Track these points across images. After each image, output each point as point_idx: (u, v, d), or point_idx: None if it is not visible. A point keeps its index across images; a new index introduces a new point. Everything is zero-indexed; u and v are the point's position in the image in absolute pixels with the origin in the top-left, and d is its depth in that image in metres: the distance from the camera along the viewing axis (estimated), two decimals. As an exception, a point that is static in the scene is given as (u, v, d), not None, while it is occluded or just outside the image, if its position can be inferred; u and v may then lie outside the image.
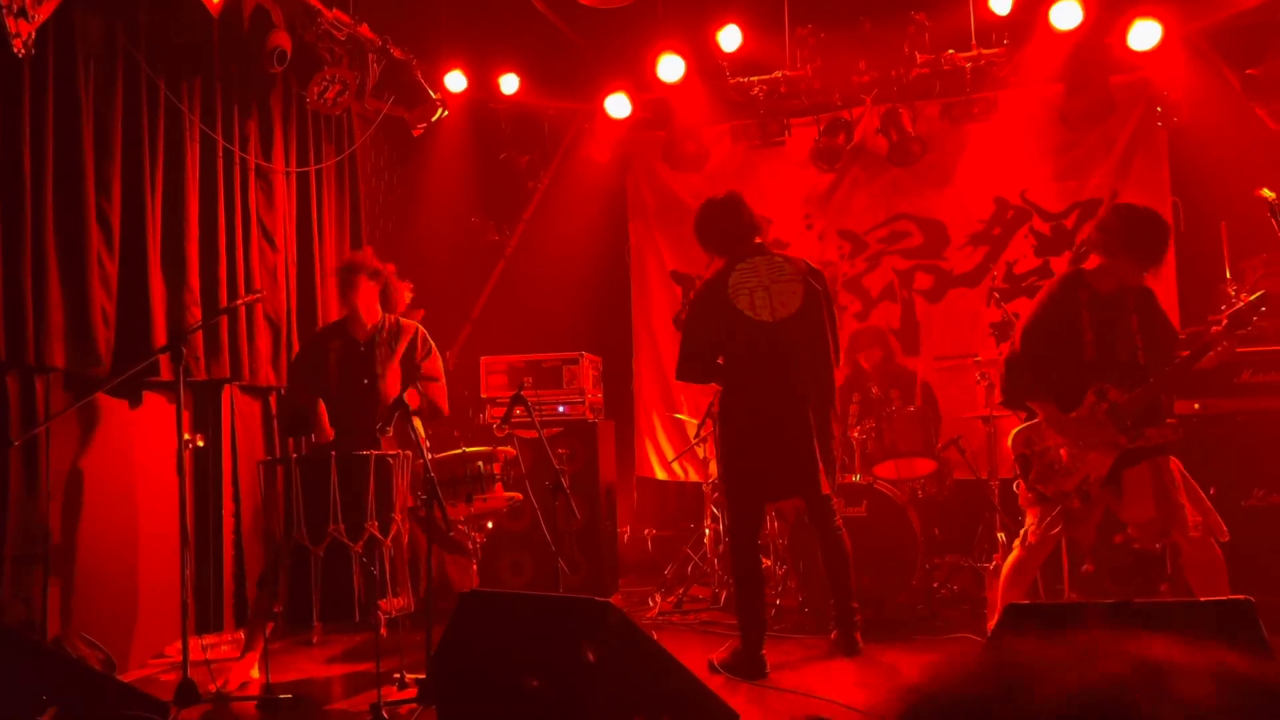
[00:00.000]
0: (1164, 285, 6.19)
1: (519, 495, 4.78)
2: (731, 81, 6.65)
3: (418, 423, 4.68)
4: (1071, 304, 3.80)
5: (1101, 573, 4.94)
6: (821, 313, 4.39)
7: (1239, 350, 4.61)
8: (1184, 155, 6.34)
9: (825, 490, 4.37)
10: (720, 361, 4.42)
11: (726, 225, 4.44)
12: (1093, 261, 3.86)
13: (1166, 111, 6.28)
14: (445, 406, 4.70)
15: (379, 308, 4.69)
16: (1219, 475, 4.43)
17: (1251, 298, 3.59)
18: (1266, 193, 3.45)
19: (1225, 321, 3.58)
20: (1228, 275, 5.40)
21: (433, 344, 4.78)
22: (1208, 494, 3.74)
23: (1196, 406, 4.70)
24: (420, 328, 4.77)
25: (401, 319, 4.77)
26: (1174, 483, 3.63)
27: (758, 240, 4.49)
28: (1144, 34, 5.85)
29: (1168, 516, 3.60)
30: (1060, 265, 6.59)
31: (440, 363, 4.77)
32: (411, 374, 4.60)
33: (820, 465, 4.32)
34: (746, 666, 4.18)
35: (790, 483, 4.40)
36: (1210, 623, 2.60)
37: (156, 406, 4.93)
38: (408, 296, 4.90)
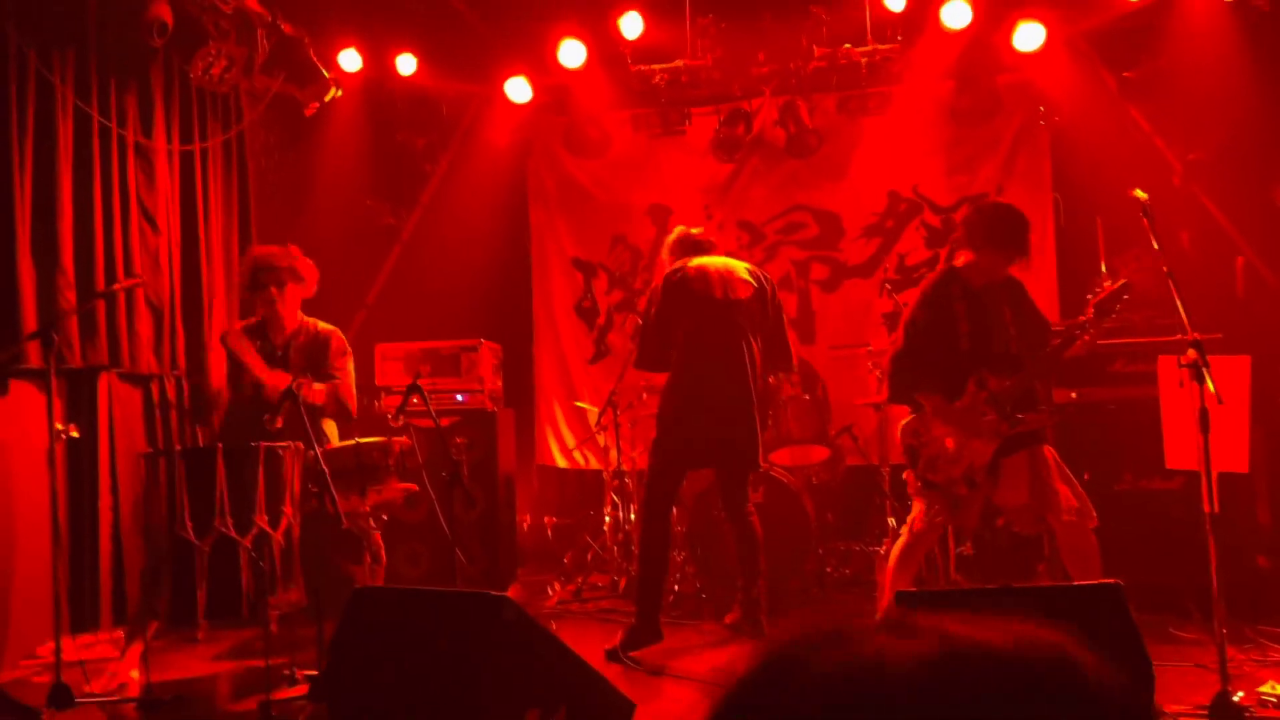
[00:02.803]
0: (1044, 277, 6.46)
1: (415, 486, 4.70)
2: (633, 69, 6.63)
3: (331, 426, 4.59)
4: (946, 299, 3.96)
5: (983, 555, 5.14)
6: (767, 306, 4.66)
7: (1113, 341, 4.85)
8: (1065, 153, 6.61)
9: (763, 465, 4.65)
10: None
11: (689, 245, 4.84)
12: (963, 258, 4.02)
13: (1049, 111, 6.54)
14: (354, 407, 4.63)
15: (300, 311, 4.58)
16: (1092, 461, 4.65)
17: (1114, 287, 3.76)
18: (1139, 193, 3.62)
19: (1091, 311, 3.76)
20: (1103, 269, 5.66)
21: (348, 348, 4.73)
22: (1082, 479, 3.92)
23: (1073, 395, 4.92)
24: (338, 333, 4.70)
25: (320, 325, 4.68)
26: (1049, 469, 3.80)
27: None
28: (1028, 35, 6.07)
29: (1041, 502, 3.78)
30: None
31: (351, 365, 4.70)
32: (317, 376, 4.51)
33: (759, 444, 4.53)
34: (643, 634, 4.26)
35: (732, 449, 4.53)
36: (1082, 605, 2.73)
37: (27, 396, 4.67)
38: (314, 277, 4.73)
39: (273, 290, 4.46)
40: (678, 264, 4.72)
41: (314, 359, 4.58)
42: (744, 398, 4.48)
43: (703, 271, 4.62)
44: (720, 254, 4.84)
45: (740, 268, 4.69)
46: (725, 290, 4.57)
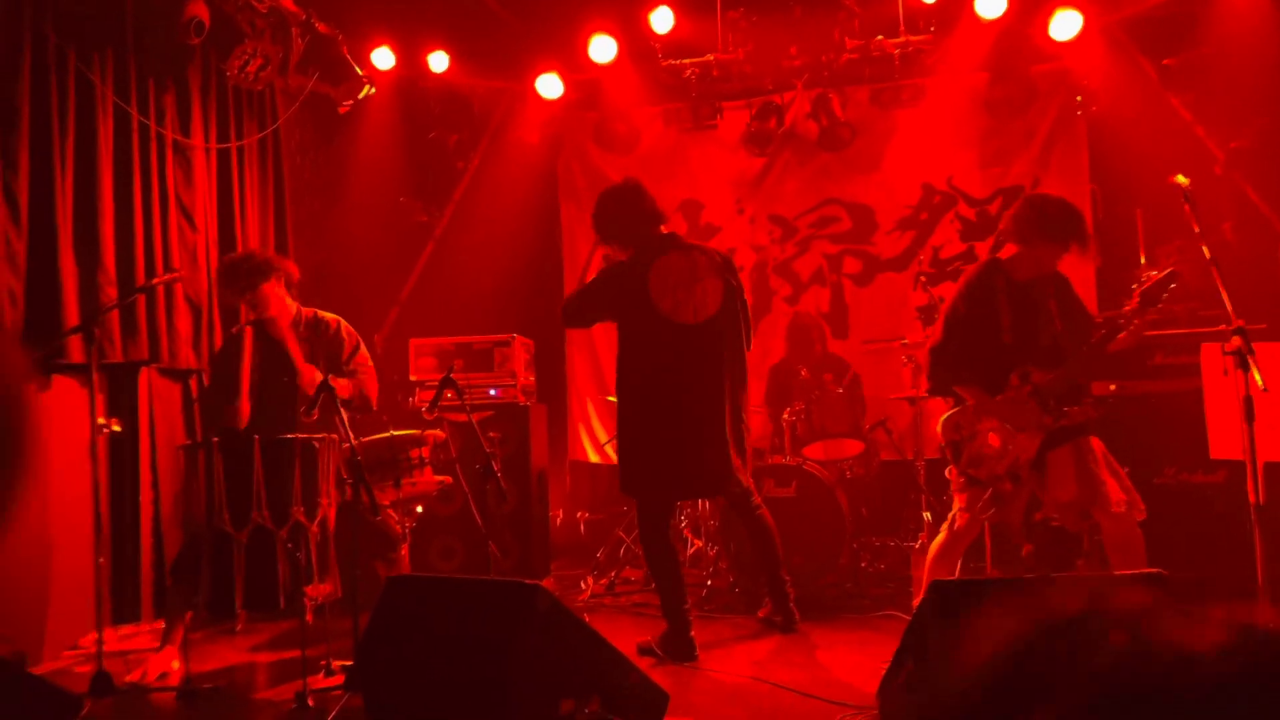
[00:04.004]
0: (1082, 271, 6.36)
1: (449, 479, 4.72)
2: (664, 64, 6.63)
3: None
4: (989, 291, 3.89)
5: (1020, 549, 5.07)
6: (736, 304, 4.32)
7: (1152, 334, 4.77)
8: (1102, 143, 6.52)
9: (746, 483, 4.37)
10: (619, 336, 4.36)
11: (627, 215, 4.25)
12: (1008, 250, 3.95)
13: (1086, 101, 6.45)
14: (375, 398, 4.56)
15: (289, 302, 4.52)
16: (1133, 454, 4.56)
17: (1160, 275, 3.69)
18: (1180, 179, 3.55)
19: (1136, 301, 3.68)
20: (1143, 261, 5.57)
21: (358, 336, 4.59)
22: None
23: (1113, 388, 4.85)
24: (342, 321, 4.56)
25: (320, 313, 4.58)
26: (1096, 461, 3.73)
27: (663, 230, 4.32)
28: (1064, 24, 5.99)
29: (1089, 497, 3.70)
30: (985, 250, 6.73)
31: (368, 354, 4.62)
32: (337, 369, 4.45)
33: (736, 462, 4.27)
34: (677, 649, 4.19)
35: (707, 482, 4.38)
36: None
37: (69, 390, 4.74)
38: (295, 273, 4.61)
39: (261, 291, 4.36)
40: (637, 262, 4.19)
41: (320, 347, 4.51)
42: (717, 424, 4.18)
43: (671, 286, 4.14)
44: (681, 237, 4.38)
45: (704, 266, 4.23)
46: (697, 309, 4.14)
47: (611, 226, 4.28)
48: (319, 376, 4.07)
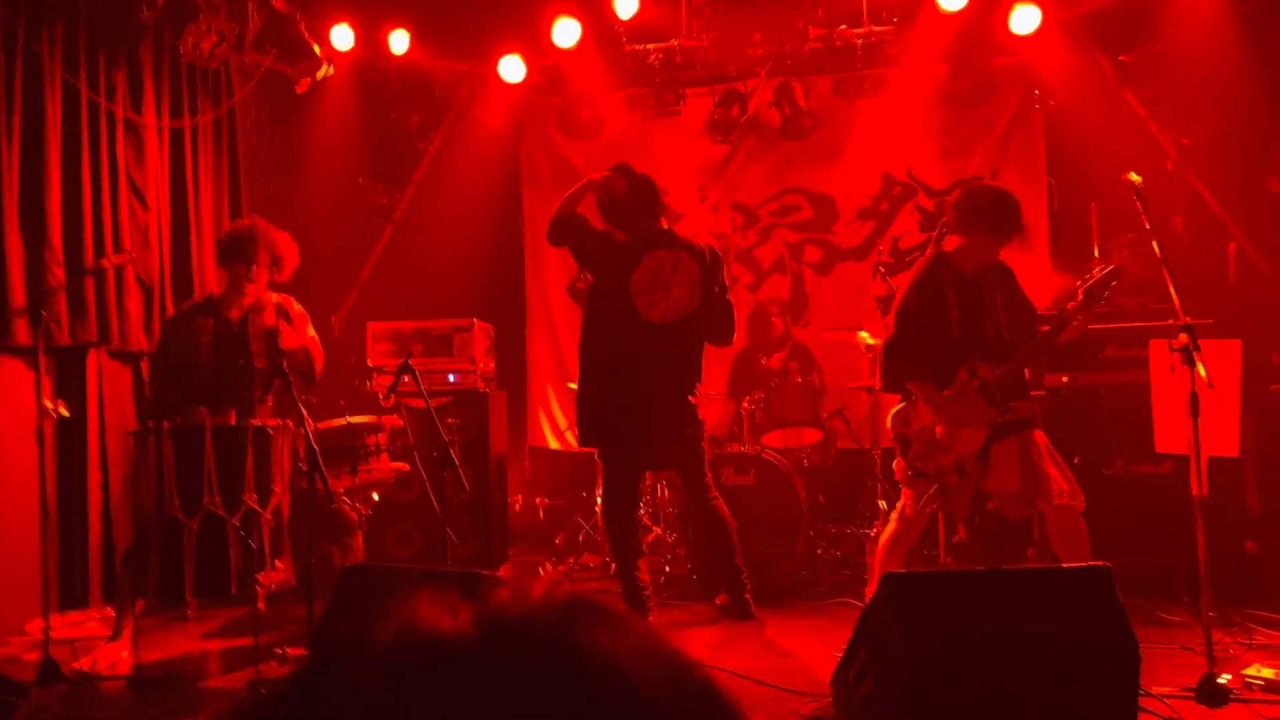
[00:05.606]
0: (1037, 262, 6.45)
1: (405, 466, 4.69)
2: (628, 49, 6.59)
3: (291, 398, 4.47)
4: (937, 285, 3.93)
5: (974, 539, 5.15)
6: (710, 308, 4.38)
7: (1105, 326, 4.85)
8: (1059, 137, 6.59)
9: (701, 471, 4.47)
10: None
11: (635, 208, 4.39)
12: (952, 243, 3.99)
13: (1044, 95, 6.52)
14: (319, 365, 4.47)
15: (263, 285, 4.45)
16: (1084, 445, 4.65)
17: (1103, 272, 3.75)
18: (1133, 176, 3.60)
19: (1081, 296, 3.75)
20: (1096, 254, 5.65)
21: (307, 314, 4.52)
22: (1072, 463, 3.93)
23: (1065, 379, 4.92)
24: (293, 300, 4.50)
25: (274, 296, 4.50)
26: (1040, 455, 3.80)
27: (664, 224, 4.43)
28: (1024, 19, 6.04)
29: (1032, 488, 3.78)
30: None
31: (312, 329, 4.55)
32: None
33: (692, 441, 4.38)
34: None
35: (666, 452, 4.47)
36: (1071, 587, 2.74)
37: (15, 373, 4.64)
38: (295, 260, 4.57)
39: (252, 268, 4.31)
40: (625, 251, 4.33)
41: (272, 331, 4.43)
42: (663, 406, 4.32)
43: (649, 285, 4.29)
44: (675, 234, 4.45)
45: (688, 271, 4.32)
46: (666, 312, 4.28)
47: (615, 213, 4.40)
48: (293, 344, 4.03)
